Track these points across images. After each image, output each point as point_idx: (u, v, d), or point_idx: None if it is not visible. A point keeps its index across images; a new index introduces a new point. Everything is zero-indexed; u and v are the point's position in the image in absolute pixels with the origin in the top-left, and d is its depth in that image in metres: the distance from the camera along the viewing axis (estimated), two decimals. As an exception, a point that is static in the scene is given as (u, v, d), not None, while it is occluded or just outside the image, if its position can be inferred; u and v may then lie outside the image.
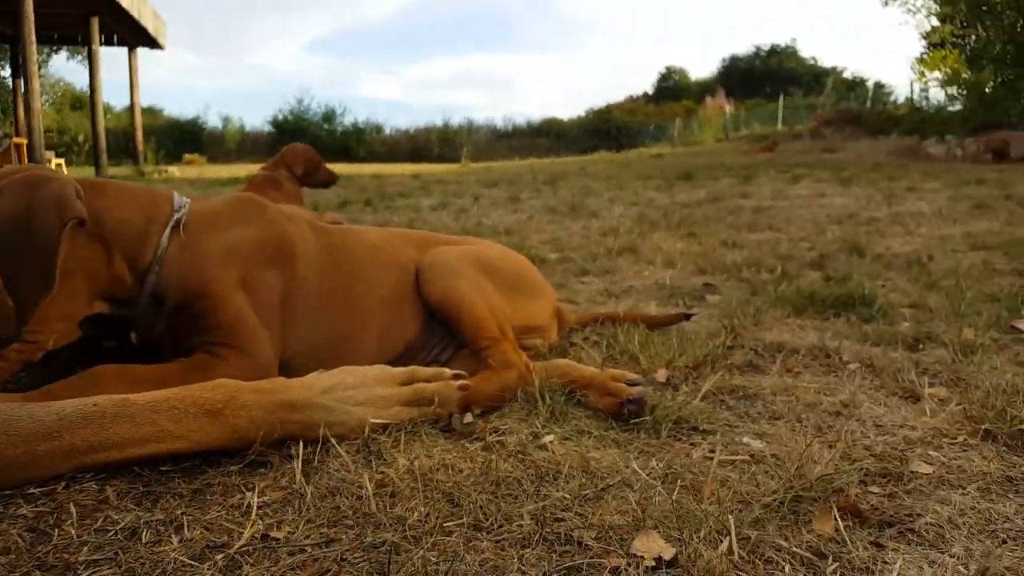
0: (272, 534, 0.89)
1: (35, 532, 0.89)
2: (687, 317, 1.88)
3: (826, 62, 49.86)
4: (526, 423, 1.25)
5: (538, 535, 0.88)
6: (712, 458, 1.10)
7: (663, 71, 46.57)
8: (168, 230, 1.30)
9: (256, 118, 47.52)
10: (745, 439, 1.19)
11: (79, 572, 0.81)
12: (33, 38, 10.35)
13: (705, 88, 38.34)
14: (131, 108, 15.80)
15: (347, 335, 1.44)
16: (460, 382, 1.27)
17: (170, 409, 1.03)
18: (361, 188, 8.04)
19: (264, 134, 32.02)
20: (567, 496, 0.98)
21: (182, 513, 0.93)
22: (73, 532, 0.88)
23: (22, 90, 12.54)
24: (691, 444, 1.19)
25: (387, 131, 33.96)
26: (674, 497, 0.96)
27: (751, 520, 0.90)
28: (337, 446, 1.10)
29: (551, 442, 1.16)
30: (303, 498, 0.97)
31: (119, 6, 12.78)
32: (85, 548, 0.85)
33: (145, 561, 0.83)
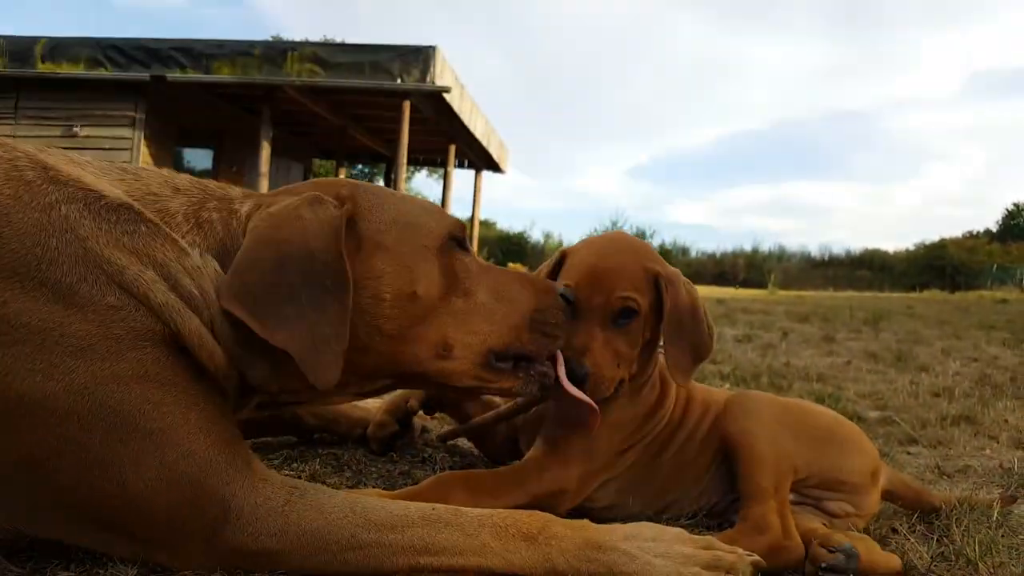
0: None
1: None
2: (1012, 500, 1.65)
3: None
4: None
5: None
6: None
7: (1010, 207, 40.87)
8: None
9: (574, 235, 51.26)
10: None
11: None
12: (404, 160, 12.42)
13: (1063, 231, 32.79)
14: (471, 220, 18.18)
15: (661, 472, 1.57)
16: (753, 558, 1.23)
17: (493, 527, 1.13)
18: (665, 311, 8.08)
19: (580, 251, 34.68)
20: None
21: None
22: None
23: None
24: None
25: (693, 254, 34.16)
26: None
27: None
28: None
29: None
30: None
31: (473, 137, 14.86)
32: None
33: None
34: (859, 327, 7.39)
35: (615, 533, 1.19)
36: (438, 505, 1.16)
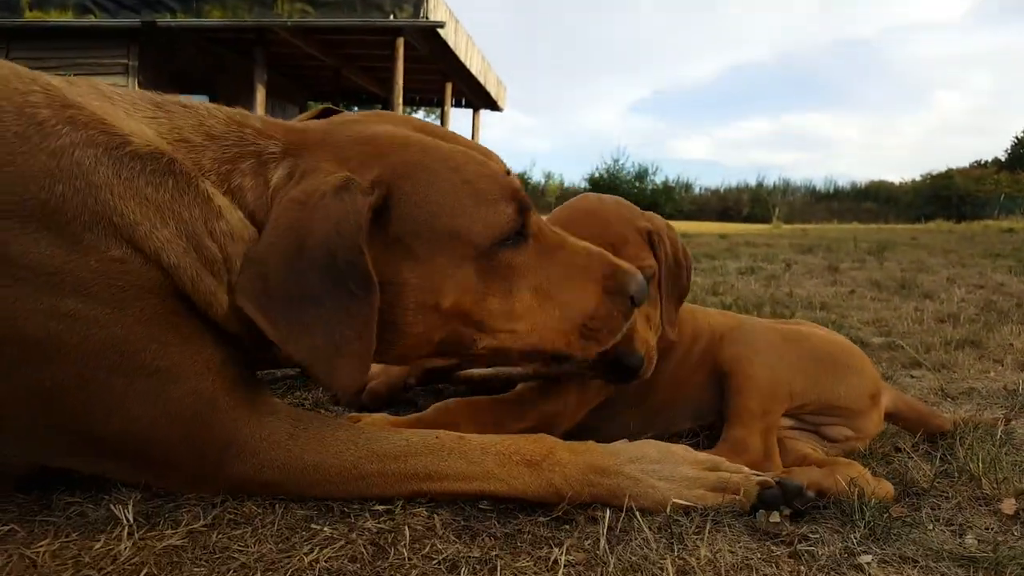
0: (575, 598, 0.93)
1: (376, 547, 1.02)
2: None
3: None
4: (840, 535, 1.15)
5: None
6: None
7: (1019, 135, 40.04)
8: None
9: (575, 175, 50.81)
10: None
11: (408, 595, 0.92)
12: (400, 100, 12.22)
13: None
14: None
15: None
16: (760, 478, 1.23)
17: (497, 454, 1.15)
18: (667, 246, 8.04)
19: (581, 190, 34.10)
20: (886, 631, 0.88)
21: (496, 555, 1.01)
22: (406, 553, 1.00)
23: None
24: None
25: (696, 190, 33.85)
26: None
27: None
28: (640, 520, 1.11)
29: (868, 563, 1.05)
30: (606, 566, 0.99)
31: (470, 73, 14.58)
32: (414, 572, 0.96)
33: (461, 598, 0.91)
34: (863, 257, 7.35)
35: (619, 456, 1.19)
36: (441, 433, 1.17)
